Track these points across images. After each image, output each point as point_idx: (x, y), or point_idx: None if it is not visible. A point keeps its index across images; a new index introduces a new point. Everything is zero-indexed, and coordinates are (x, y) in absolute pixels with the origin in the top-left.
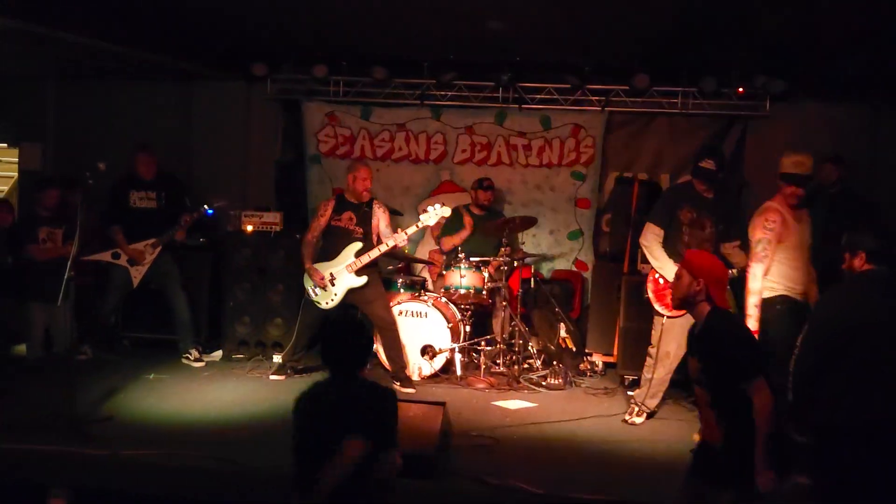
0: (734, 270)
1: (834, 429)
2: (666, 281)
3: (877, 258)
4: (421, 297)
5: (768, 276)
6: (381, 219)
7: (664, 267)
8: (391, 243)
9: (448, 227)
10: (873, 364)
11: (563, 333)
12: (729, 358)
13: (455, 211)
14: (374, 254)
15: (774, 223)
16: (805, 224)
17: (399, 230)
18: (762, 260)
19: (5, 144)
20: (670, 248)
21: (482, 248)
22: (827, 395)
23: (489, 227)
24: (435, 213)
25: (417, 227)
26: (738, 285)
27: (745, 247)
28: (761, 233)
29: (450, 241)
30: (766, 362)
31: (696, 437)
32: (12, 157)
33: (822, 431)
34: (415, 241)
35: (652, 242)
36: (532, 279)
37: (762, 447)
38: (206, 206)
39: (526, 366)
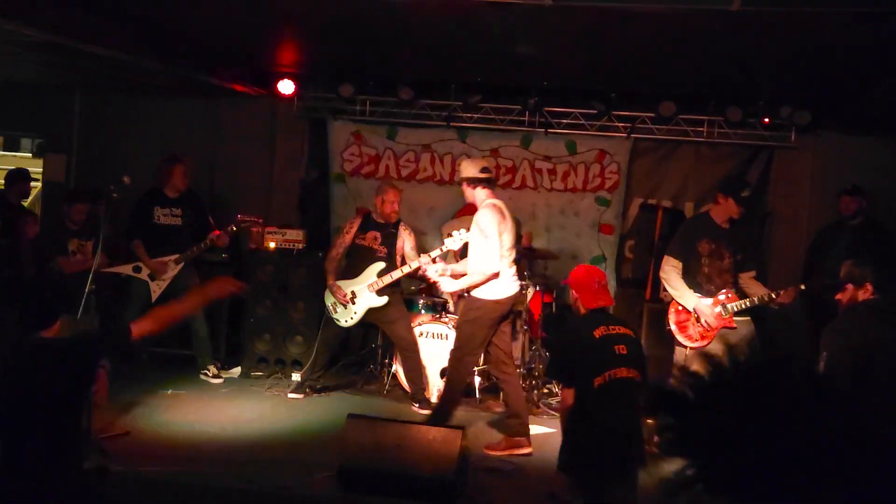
0: (756, 299)
1: None
2: (688, 312)
3: (882, 288)
4: (442, 319)
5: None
6: (406, 241)
7: (683, 296)
8: (414, 265)
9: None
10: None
11: None
12: None
13: None
14: (397, 274)
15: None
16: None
17: (423, 254)
18: None
19: (30, 155)
20: (690, 278)
21: None
22: None
23: None
24: (460, 239)
25: (442, 251)
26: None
27: (761, 276)
28: None
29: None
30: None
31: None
32: (37, 167)
33: None
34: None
35: (670, 274)
36: (553, 304)
37: None
38: (233, 227)
39: (545, 391)
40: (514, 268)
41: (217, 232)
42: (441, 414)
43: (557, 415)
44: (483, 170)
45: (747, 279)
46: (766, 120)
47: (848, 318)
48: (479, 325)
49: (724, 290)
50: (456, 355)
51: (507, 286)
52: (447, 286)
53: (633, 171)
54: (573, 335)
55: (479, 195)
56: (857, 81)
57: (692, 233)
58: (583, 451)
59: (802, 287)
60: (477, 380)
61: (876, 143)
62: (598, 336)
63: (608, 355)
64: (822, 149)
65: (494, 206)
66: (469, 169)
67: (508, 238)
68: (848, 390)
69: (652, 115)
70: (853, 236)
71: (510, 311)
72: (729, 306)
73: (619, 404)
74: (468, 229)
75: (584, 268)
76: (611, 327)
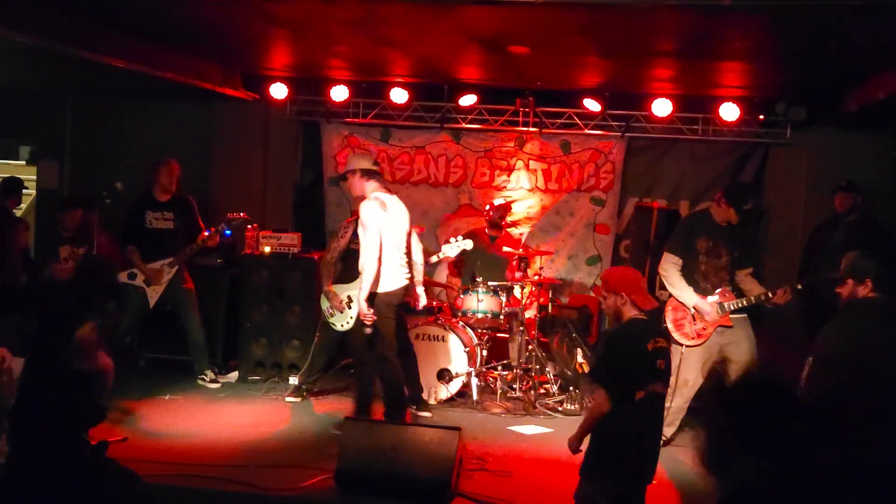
0: (752, 298)
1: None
2: (684, 310)
3: (882, 285)
4: (438, 321)
5: None
6: None
7: (683, 294)
8: None
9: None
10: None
11: (579, 359)
12: None
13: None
14: None
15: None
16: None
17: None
18: None
19: (23, 162)
20: (688, 276)
21: (496, 274)
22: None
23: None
24: (457, 246)
25: (439, 257)
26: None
27: (758, 275)
28: None
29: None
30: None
31: None
32: (30, 174)
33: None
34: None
35: (670, 271)
36: (550, 304)
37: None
38: (223, 226)
39: (542, 391)
40: (402, 260)
41: (205, 233)
42: (397, 412)
43: (554, 415)
44: (374, 163)
45: (743, 276)
46: (762, 117)
47: (847, 316)
48: (382, 320)
49: (720, 289)
50: (379, 356)
51: (392, 279)
52: (359, 298)
53: (627, 170)
54: (631, 343)
55: (370, 187)
56: (851, 77)
57: (691, 230)
58: (610, 456)
59: (799, 286)
60: (474, 381)
61: (872, 138)
62: (650, 349)
63: (652, 370)
64: (818, 145)
65: (377, 199)
66: (362, 161)
67: (390, 231)
68: (847, 392)
69: (646, 113)
70: (848, 233)
71: (400, 303)
72: (725, 305)
73: (650, 417)
74: (465, 234)
75: (622, 269)
76: (658, 340)
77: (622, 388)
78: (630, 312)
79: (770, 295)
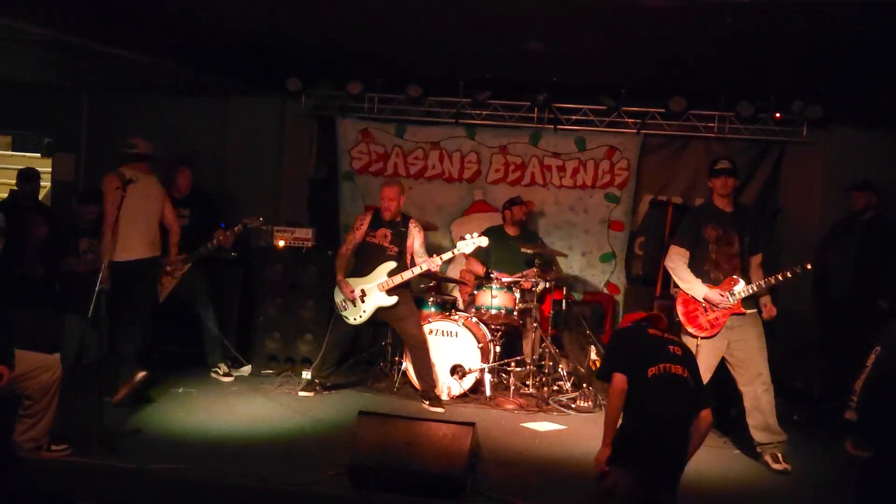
0: (762, 283)
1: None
2: (696, 302)
3: None
4: (452, 317)
5: None
6: (416, 238)
7: (692, 287)
8: (425, 267)
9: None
10: None
11: (593, 356)
12: None
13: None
14: (407, 275)
15: None
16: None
17: (434, 255)
18: None
19: (38, 154)
20: (698, 267)
21: (511, 267)
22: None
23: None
24: (472, 242)
25: (453, 253)
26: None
27: (766, 263)
28: None
29: (468, 270)
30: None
31: None
32: (46, 167)
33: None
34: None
35: (678, 264)
36: (563, 301)
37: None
38: (240, 228)
39: (555, 388)
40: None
41: (222, 233)
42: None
43: (568, 412)
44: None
45: (755, 265)
46: (778, 115)
47: None
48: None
49: (731, 278)
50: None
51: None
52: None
53: (642, 167)
54: (632, 331)
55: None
56: (869, 75)
57: (697, 220)
58: (633, 439)
59: (808, 266)
60: (487, 377)
61: (888, 137)
62: (652, 333)
63: (662, 351)
64: (834, 144)
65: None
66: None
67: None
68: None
69: (662, 110)
70: (864, 232)
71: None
72: (736, 290)
73: (670, 397)
74: (479, 230)
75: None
76: (665, 335)
77: (633, 367)
78: None
79: (780, 277)
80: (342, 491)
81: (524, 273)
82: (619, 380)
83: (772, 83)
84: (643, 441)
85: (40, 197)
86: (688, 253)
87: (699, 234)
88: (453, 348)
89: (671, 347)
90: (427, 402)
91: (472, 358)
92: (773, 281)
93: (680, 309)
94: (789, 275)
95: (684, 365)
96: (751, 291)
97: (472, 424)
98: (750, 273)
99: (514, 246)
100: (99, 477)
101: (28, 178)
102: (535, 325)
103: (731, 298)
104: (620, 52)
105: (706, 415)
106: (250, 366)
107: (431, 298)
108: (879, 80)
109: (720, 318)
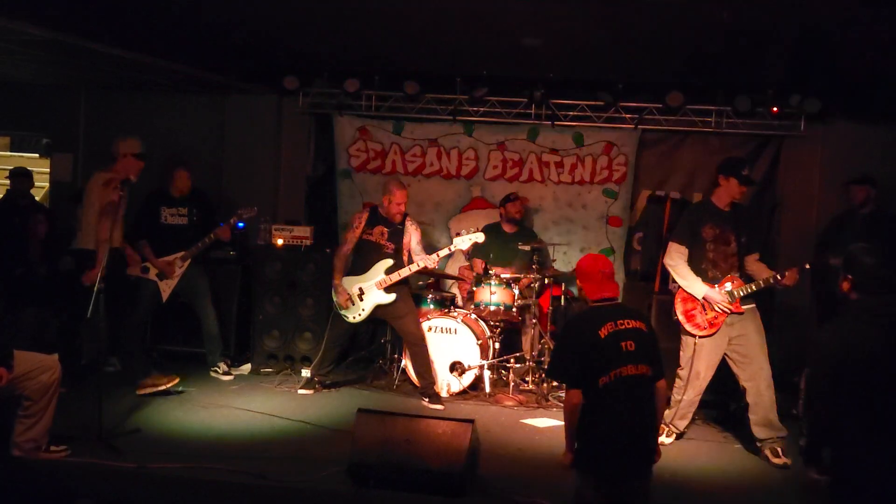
0: (761, 282)
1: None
2: (694, 300)
3: (863, 288)
4: (450, 314)
5: None
6: (412, 236)
7: (692, 285)
8: (422, 264)
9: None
10: (873, 403)
11: None
12: None
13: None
14: (405, 273)
15: None
16: None
17: (432, 253)
18: None
19: (37, 155)
20: (695, 265)
21: (509, 264)
22: (838, 437)
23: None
24: (469, 239)
25: (450, 250)
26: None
27: (765, 260)
28: None
29: (468, 267)
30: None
31: None
32: (44, 167)
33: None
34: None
35: (677, 261)
36: (562, 297)
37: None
38: (235, 220)
39: (555, 384)
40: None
41: (217, 230)
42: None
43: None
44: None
45: (752, 262)
46: (775, 109)
47: (840, 321)
48: None
49: (729, 276)
50: None
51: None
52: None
53: (640, 162)
54: (575, 334)
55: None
56: (867, 68)
57: (695, 218)
58: (594, 448)
59: (807, 266)
60: (487, 373)
61: (886, 131)
62: (603, 336)
63: (614, 354)
64: (832, 137)
65: None
66: (135, 146)
67: None
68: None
69: (659, 105)
70: (862, 226)
71: None
72: (735, 291)
73: (625, 403)
74: (477, 227)
75: (590, 257)
76: (619, 322)
77: (582, 378)
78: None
79: (779, 277)
80: (342, 488)
81: (524, 275)
82: (573, 394)
83: (769, 77)
84: (599, 451)
85: (38, 198)
86: (686, 250)
87: (697, 232)
88: (452, 345)
89: (625, 344)
90: (426, 400)
91: (471, 355)
92: (772, 281)
93: (679, 307)
94: (789, 275)
95: (640, 359)
96: (751, 290)
97: (472, 421)
98: (749, 271)
99: (512, 244)
100: (99, 477)
101: (18, 175)
102: (534, 321)
103: (730, 298)
104: (618, 47)
105: (661, 385)
106: (250, 364)
107: (430, 295)
108: (877, 72)
109: (718, 316)
